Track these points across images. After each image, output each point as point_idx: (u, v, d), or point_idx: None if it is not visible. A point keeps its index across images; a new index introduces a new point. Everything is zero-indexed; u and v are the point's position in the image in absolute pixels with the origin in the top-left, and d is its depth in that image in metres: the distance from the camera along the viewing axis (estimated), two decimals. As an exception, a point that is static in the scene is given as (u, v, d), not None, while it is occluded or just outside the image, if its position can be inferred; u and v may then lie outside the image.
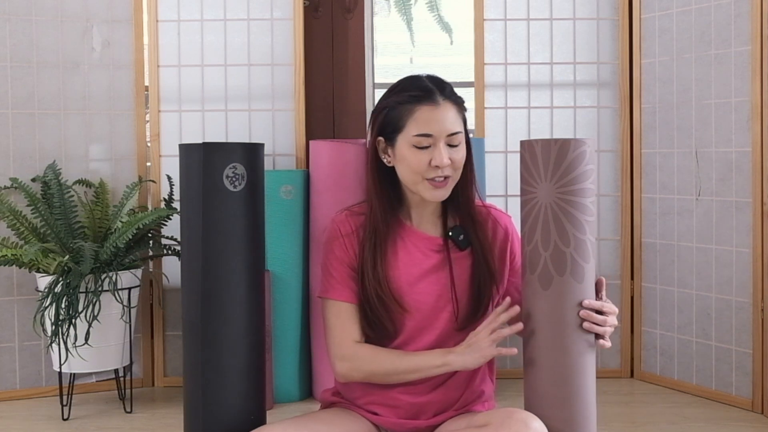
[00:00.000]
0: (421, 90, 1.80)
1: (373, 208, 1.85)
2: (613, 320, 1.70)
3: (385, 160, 1.85)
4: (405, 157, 1.80)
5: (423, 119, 1.77)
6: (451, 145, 1.79)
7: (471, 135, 3.34)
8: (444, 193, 1.81)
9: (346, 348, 1.82)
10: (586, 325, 1.67)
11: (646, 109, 3.16)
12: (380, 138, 1.85)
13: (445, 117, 1.78)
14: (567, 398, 1.67)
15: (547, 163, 1.67)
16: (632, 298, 3.22)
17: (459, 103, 1.83)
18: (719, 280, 2.91)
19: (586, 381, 1.69)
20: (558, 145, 1.66)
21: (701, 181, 2.97)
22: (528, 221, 1.71)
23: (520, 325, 1.71)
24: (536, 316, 1.69)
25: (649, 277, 3.17)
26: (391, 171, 1.86)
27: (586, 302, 1.67)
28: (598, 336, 1.69)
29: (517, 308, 1.73)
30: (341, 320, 1.84)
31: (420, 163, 1.78)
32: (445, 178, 1.79)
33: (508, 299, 1.75)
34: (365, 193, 1.89)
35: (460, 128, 1.80)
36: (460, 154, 1.81)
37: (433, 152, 1.77)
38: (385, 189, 1.86)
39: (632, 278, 3.22)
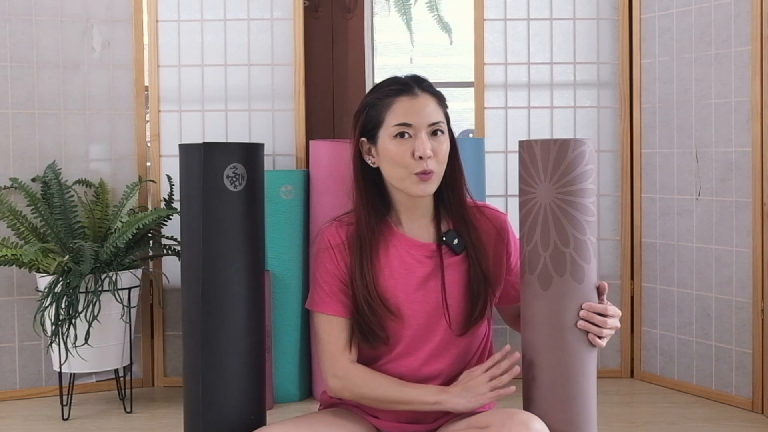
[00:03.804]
0: (398, 84, 1.80)
1: (359, 213, 1.82)
2: (615, 322, 1.68)
3: (369, 161, 1.82)
4: (387, 151, 1.76)
5: (401, 110, 1.76)
6: (432, 136, 1.77)
7: (471, 135, 3.35)
8: (430, 187, 1.77)
9: (339, 367, 1.80)
10: (581, 324, 1.66)
11: (646, 109, 3.16)
12: (363, 139, 1.82)
13: (424, 106, 1.77)
14: (567, 399, 1.67)
15: (547, 163, 1.66)
16: (632, 298, 3.22)
17: (438, 96, 1.81)
18: (719, 280, 2.91)
19: (586, 381, 1.68)
20: (557, 145, 1.65)
21: (701, 181, 2.97)
22: (527, 221, 1.70)
23: (517, 369, 1.70)
24: (536, 317, 1.68)
25: (649, 277, 3.17)
26: (377, 175, 1.84)
27: (586, 305, 1.66)
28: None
29: (517, 355, 1.71)
30: (333, 336, 1.81)
31: (403, 154, 1.75)
32: (431, 172, 1.76)
33: (507, 346, 1.73)
34: (352, 201, 1.86)
35: (440, 119, 1.78)
36: (444, 146, 1.78)
37: (414, 142, 1.75)
38: (371, 193, 1.83)
39: (632, 278, 3.22)
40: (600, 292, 1.70)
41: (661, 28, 3.09)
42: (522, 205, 1.72)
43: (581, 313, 1.66)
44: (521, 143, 1.71)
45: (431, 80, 1.85)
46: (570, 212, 1.65)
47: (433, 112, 1.78)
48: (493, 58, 3.24)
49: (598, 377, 1.75)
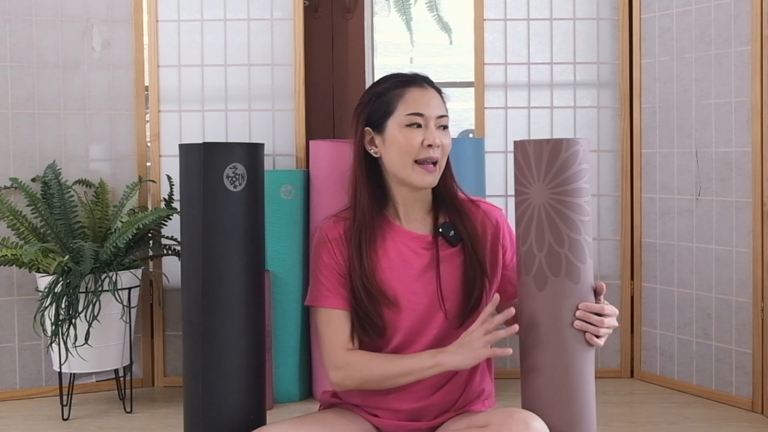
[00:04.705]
0: (407, 76, 1.86)
1: (360, 202, 1.84)
2: (612, 321, 1.68)
3: (372, 151, 1.85)
4: (396, 139, 1.80)
5: (413, 100, 1.81)
6: (439, 129, 1.81)
7: (471, 135, 3.35)
8: (433, 179, 1.81)
9: (337, 356, 1.80)
10: (577, 324, 1.65)
11: (646, 109, 3.16)
12: (367, 128, 1.85)
13: (433, 99, 1.83)
14: (566, 399, 1.67)
15: (540, 163, 1.66)
16: (632, 298, 3.22)
17: (441, 93, 1.87)
18: (719, 280, 2.91)
19: (584, 381, 1.68)
20: (550, 145, 1.65)
21: (701, 181, 2.97)
22: (522, 222, 1.70)
23: (515, 327, 1.69)
24: (533, 318, 1.68)
25: (649, 277, 3.17)
26: (377, 168, 1.86)
27: (582, 305, 1.66)
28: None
29: (512, 310, 1.70)
30: (333, 328, 1.81)
31: (413, 142, 1.78)
32: (435, 163, 1.80)
33: (497, 296, 1.72)
34: (350, 194, 1.87)
35: (446, 113, 1.84)
36: (448, 139, 1.83)
37: (425, 132, 1.79)
38: (372, 183, 1.86)
39: (632, 278, 3.22)
40: (597, 292, 1.70)
41: (661, 28, 3.09)
42: (517, 206, 1.72)
43: (578, 313, 1.66)
44: (515, 144, 1.71)
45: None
46: (564, 212, 1.65)
47: (440, 106, 1.84)
48: (493, 58, 3.24)
49: (598, 377, 1.75)
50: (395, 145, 1.80)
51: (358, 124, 1.86)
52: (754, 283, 2.79)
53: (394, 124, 1.81)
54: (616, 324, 1.71)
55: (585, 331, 1.67)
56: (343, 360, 1.80)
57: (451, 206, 1.87)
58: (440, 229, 1.84)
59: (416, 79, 1.85)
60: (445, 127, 1.83)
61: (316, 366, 3.02)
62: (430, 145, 1.78)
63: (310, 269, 1.89)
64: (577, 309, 1.66)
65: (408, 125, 1.79)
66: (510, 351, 1.69)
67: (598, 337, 1.67)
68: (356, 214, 1.84)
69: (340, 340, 1.81)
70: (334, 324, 1.82)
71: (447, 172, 1.88)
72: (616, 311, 1.70)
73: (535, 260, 1.67)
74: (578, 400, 1.67)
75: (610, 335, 1.71)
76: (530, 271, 1.68)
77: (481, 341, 1.70)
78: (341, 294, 1.82)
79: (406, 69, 1.92)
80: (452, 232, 1.84)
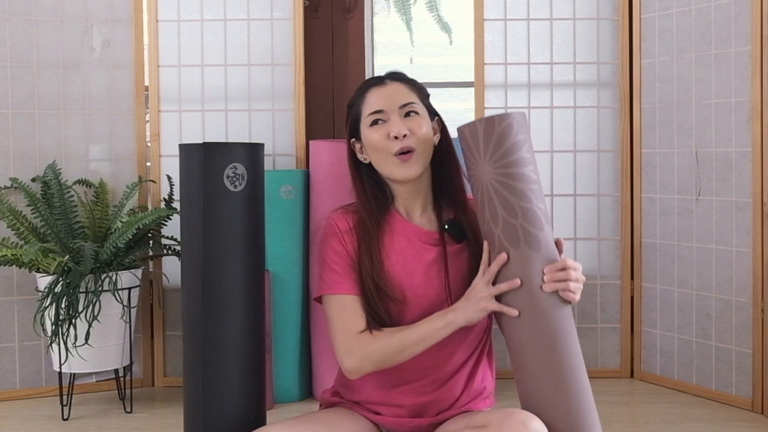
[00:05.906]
0: (371, 80, 1.92)
1: (362, 209, 1.87)
2: (578, 275, 1.71)
3: (361, 158, 1.90)
4: (368, 140, 1.85)
5: (372, 100, 1.86)
6: (407, 117, 1.83)
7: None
8: (413, 169, 1.82)
9: (351, 342, 1.77)
10: (547, 286, 1.67)
11: (646, 109, 3.16)
12: (353, 139, 1.90)
13: (394, 92, 1.86)
14: (553, 363, 1.67)
15: (477, 142, 1.71)
16: (632, 298, 3.22)
17: (410, 83, 1.89)
18: (719, 280, 2.91)
19: (567, 341, 1.68)
20: (483, 123, 1.71)
21: (701, 181, 2.97)
22: (477, 204, 1.75)
23: (517, 281, 1.69)
24: (507, 295, 1.70)
25: (649, 277, 3.17)
26: (374, 172, 1.89)
27: (546, 267, 1.68)
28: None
29: (504, 255, 1.70)
30: (345, 315, 1.79)
31: (380, 138, 1.82)
32: (410, 151, 1.81)
33: (486, 245, 1.74)
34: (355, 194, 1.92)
35: (411, 100, 1.85)
36: (422, 126, 1.83)
37: (388, 125, 1.82)
38: (371, 189, 1.89)
39: (632, 278, 3.22)
40: (559, 249, 1.73)
41: (661, 28, 3.09)
42: (471, 190, 1.77)
43: (545, 277, 1.68)
44: (457, 130, 1.77)
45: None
46: (511, 183, 1.69)
47: (403, 95, 1.85)
48: (493, 58, 3.24)
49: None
50: (369, 146, 1.85)
51: (347, 137, 1.92)
52: (754, 283, 2.79)
53: (364, 129, 1.86)
54: (583, 278, 1.73)
55: (557, 291, 1.68)
56: (355, 344, 1.77)
57: (455, 203, 1.89)
58: (446, 226, 1.86)
59: (379, 79, 1.89)
60: (416, 113, 1.84)
61: (316, 366, 3.02)
62: (396, 137, 1.80)
63: (318, 260, 1.88)
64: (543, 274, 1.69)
65: (371, 125, 1.84)
66: (516, 312, 1.69)
67: (571, 292, 1.69)
68: (362, 216, 1.86)
69: (353, 325, 1.79)
70: (348, 310, 1.80)
71: (452, 166, 1.90)
72: (578, 264, 1.72)
73: (495, 237, 1.71)
74: (567, 365, 1.68)
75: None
76: (493, 249, 1.71)
77: (485, 292, 1.72)
78: (353, 279, 1.82)
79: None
80: (457, 229, 1.86)
